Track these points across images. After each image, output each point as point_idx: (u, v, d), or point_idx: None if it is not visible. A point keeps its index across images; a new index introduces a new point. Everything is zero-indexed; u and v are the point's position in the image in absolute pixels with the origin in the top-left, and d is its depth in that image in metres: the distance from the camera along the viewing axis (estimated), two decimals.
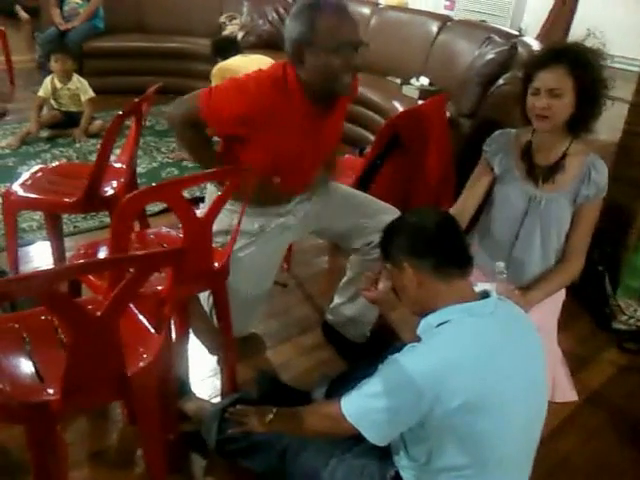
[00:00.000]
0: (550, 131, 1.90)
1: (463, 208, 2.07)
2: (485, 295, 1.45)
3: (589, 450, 1.98)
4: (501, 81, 2.95)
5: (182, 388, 1.92)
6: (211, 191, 2.09)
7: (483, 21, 5.97)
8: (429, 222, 1.51)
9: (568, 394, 2.14)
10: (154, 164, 3.77)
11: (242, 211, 1.84)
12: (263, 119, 1.77)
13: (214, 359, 2.16)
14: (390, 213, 2.06)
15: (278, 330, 2.40)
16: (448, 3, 9.03)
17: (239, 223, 1.85)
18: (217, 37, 3.96)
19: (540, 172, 1.99)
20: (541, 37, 7.91)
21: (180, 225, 1.60)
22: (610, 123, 3.13)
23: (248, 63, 3.66)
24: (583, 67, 1.81)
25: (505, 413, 1.36)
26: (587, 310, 2.69)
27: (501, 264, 1.92)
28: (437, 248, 1.44)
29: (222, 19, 5.05)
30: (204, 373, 2.12)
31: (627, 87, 2.70)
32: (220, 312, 1.88)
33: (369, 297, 1.75)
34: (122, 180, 2.33)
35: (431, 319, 1.42)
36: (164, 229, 2.02)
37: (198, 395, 1.94)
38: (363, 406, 1.39)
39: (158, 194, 1.63)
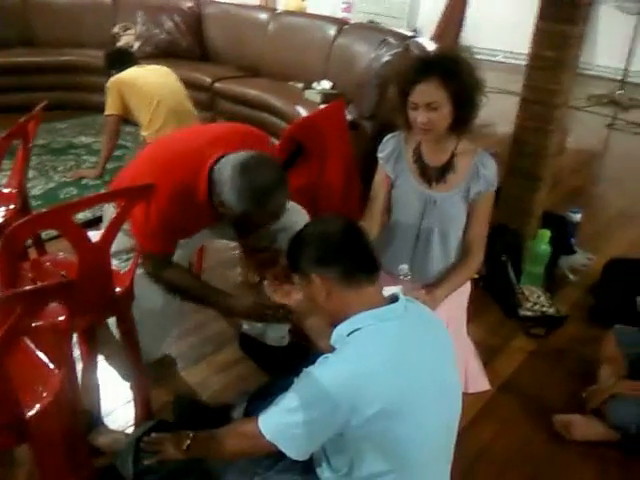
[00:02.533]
0: (435, 139, 1.97)
1: (371, 216, 2.10)
2: (394, 299, 1.46)
3: (506, 438, 2.04)
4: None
5: (92, 421, 1.82)
6: (110, 212, 2.01)
7: (377, 23, 6.09)
8: (333, 231, 1.50)
9: (481, 384, 2.21)
10: (51, 184, 3.58)
11: None
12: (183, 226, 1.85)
13: (127, 386, 2.07)
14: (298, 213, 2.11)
15: (192, 349, 2.33)
16: (345, 6, 9.17)
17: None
18: (110, 49, 3.83)
19: (432, 173, 2.05)
20: (436, 37, 8.19)
21: None
22: (506, 116, 3.27)
23: (144, 74, 3.58)
24: (454, 76, 1.85)
25: (421, 416, 1.37)
26: (495, 300, 2.79)
27: (405, 266, 1.95)
28: (343, 256, 1.44)
29: (116, 30, 4.88)
30: (116, 402, 2.02)
31: (520, 80, 2.82)
32: (127, 337, 1.80)
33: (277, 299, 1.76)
34: (12, 206, 2.19)
35: (342, 328, 1.42)
36: (61, 255, 1.92)
37: (111, 427, 1.85)
38: (280, 422, 1.37)
39: (44, 221, 1.53)
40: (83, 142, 4.19)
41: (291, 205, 2.13)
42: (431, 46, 3.55)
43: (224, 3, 5.32)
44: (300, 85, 4.35)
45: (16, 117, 2.26)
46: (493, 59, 8.10)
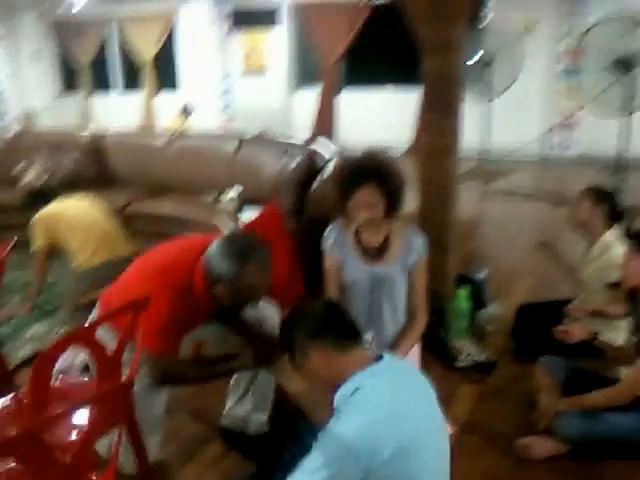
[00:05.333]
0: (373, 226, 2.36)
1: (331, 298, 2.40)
2: (379, 356, 1.75)
3: (479, 470, 2.32)
4: (316, 184, 3.42)
5: None
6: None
7: (262, 133, 6.60)
8: (317, 309, 1.80)
9: (448, 427, 2.49)
10: None
11: None
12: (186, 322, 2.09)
13: None
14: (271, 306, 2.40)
15: (178, 452, 2.43)
16: (227, 119, 9.80)
17: None
18: (29, 187, 3.95)
19: (372, 252, 2.42)
20: (314, 133, 8.97)
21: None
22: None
23: (68, 206, 3.74)
24: (387, 179, 2.28)
25: (427, 451, 1.63)
26: (434, 356, 3.12)
27: (369, 334, 2.25)
28: (333, 326, 1.71)
29: (19, 167, 4.97)
30: None
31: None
32: (136, 443, 1.92)
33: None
34: None
35: (344, 390, 1.66)
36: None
37: None
38: None
39: (72, 340, 1.68)
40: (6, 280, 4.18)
41: (264, 301, 2.40)
42: (326, 150, 4.00)
43: (121, 133, 5.62)
44: (210, 198, 4.65)
45: None
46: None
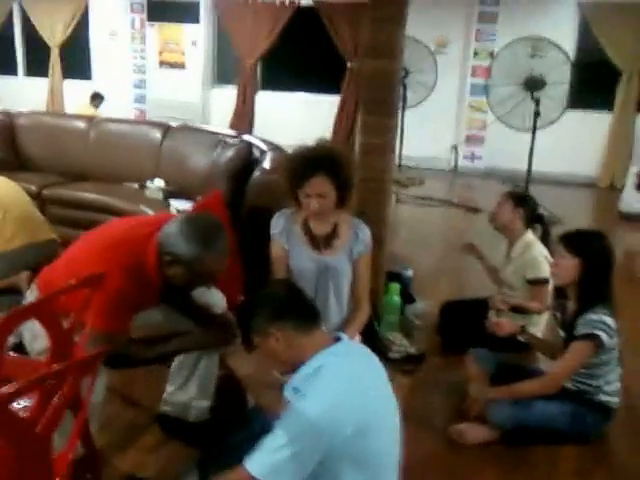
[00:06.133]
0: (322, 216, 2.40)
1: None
2: (338, 337, 1.78)
3: (416, 455, 2.37)
4: (257, 173, 3.40)
5: None
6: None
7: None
8: (280, 290, 1.82)
9: None
10: None
11: None
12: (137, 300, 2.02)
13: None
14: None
15: (116, 439, 2.35)
16: (138, 112, 9.49)
17: None
18: None
19: (320, 241, 2.46)
20: (233, 127, 8.92)
21: None
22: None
23: None
24: (338, 170, 2.33)
25: (384, 429, 1.69)
26: (367, 346, 3.17)
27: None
28: (293, 307, 1.74)
29: None
30: None
31: None
32: (82, 426, 1.83)
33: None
34: None
35: (305, 370, 1.68)
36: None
37: None
38: (270, 462, 1.56)
39: (26, 314, 1.58)
40: None
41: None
42: (261, 142, 3.99)
43: (36, 113, 5.32)
44: (135, 185, 4.51)
45: None
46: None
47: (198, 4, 9.50)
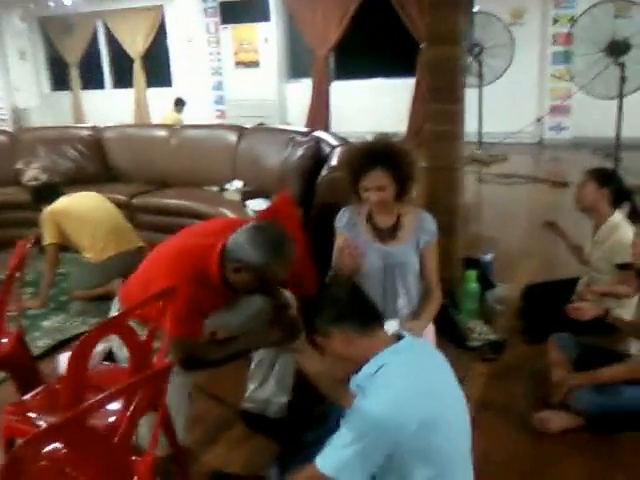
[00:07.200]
0: (384, 208, 2.42)
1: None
2: (399, 336, 1.79)
3: (498, 446, 2.37)
4: (324, 172, 3.45)
5: None
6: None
7: (262, 124, 6.64)
8: (341, 291, 1.85)
9: None
10: None
11: None
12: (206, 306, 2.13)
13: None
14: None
15: (203, 436, 2.48)
16: (219, 113, 9.79)
17: None
18: (37, 184, 3.96)
19: (385, 233, 2.47)
20: (309, 124, 9.03)
21: None
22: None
23: (75, 202, 3.78)
24: (395, 163, 2.34)
25: (451, 424, 1.69)
26: (445, 337, 3.15)
27: (393, 322, 2.31)
28: (354, 308, 1.76)
29: (19, 165, 4.99)
30: None
31: None
32: (166, 426, 1.96)
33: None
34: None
35: (367, 369, 1.70)
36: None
37: None
38: (338, 458, 1.60)
39: (107, 329, 1.72)
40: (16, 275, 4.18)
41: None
42: (331, 138, 4.03)
43: (121, 126, 5.63)
44: (215, 188, 4.68)
45: None
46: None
47: (268, 2, 9.64)
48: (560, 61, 7.95)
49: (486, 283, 3.56)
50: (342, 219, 2.54)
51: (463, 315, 3.28)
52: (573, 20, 7.48)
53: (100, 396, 1.42)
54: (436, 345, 2.56)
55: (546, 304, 3.20)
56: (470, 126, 7.78)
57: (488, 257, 3.72)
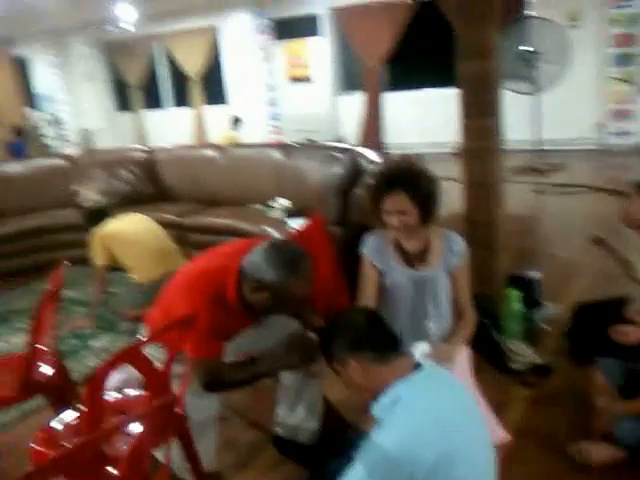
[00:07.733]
0: (409, 233, 2.36)
1: (366, 303, 2.41)
2: (418, 364, 1.75)
3: (535, 474, 2.28)
4: (357, 190, 3.43)
5: None
6: None
7: (312, 140, 6.70)
8: (358, 320, 1.81)
9: (501, 436, 2.45)
10: None
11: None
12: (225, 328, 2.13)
13: None
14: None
15: (235, 460, 2.50)
16: (275, 130, 9.91)
17: None
18: (87, 207, 4.11)
19: (414, 257, 2.42)
20: (362, 140, 9.01)
21: None
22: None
23: (124, 225, 3.89)
24: (415, 187, 2.27)
25: (472, 458, 1.62)
26: (484, 358, 3.06)
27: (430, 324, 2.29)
28: (371, 339, 1.73)
29: (75, 187, 5.19)
30: None
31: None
32: (189, 452, 1.98)
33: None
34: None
35: (384, 400, 1.67)
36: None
37: None
38: None
39: (122, 359, 1.76)
40: (68, 295, 4.35)
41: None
42: (370, 154, 4.01)
43: (172, 147, 5.79)
44: (259, 206, 4.73)
45: None
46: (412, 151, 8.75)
47: (318, 17, 9.72)
48: (622, 62, 7.63)
49: (532, 301, 3.44)
50: (368, 244, 2.50)
51: (505, 336, 3.17)
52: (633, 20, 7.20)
53: (103, 430, 1.45)
54: (473, 368, 2.49)
55: (596, 325, 3.05)
56: (525, 134, 7.68)
57: (535, 274, 3.59)
